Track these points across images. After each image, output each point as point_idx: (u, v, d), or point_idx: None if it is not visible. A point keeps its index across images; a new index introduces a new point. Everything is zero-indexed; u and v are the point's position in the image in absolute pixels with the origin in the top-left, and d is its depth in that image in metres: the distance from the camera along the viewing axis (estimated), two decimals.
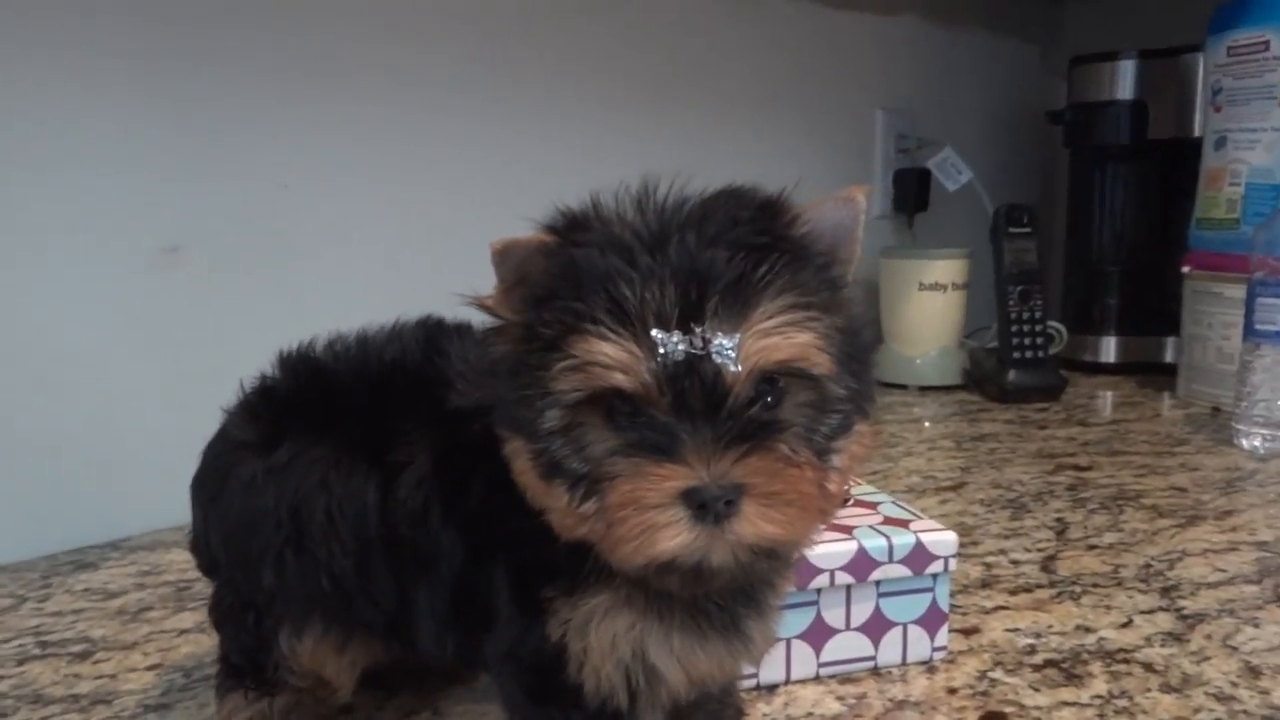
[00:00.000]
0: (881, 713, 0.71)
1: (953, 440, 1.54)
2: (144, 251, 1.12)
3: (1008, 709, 0.70)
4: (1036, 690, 0.73)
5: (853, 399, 0.51)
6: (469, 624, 0.57)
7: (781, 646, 0.74)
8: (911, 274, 1.90)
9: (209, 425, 0.66)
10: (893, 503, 0.84)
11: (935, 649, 0.78)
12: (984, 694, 0.73)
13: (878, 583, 0.76)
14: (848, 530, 0.76)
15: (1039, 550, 1.03)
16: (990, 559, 1.01)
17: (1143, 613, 0.87)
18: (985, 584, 0.94)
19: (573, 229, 0.50)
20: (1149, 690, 0.73)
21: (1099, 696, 0.72)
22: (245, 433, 0.63)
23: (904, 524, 0.78)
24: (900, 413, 1.74)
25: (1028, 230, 1.82)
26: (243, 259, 1.20)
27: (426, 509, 0.57)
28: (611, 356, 0.45)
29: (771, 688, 0.74)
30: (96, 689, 0.77)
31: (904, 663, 0.78)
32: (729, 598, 0.55)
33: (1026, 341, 1.80)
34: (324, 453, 0.60)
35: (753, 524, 0.46)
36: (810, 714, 0.71)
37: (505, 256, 0.50)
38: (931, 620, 0.78)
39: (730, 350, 0.46)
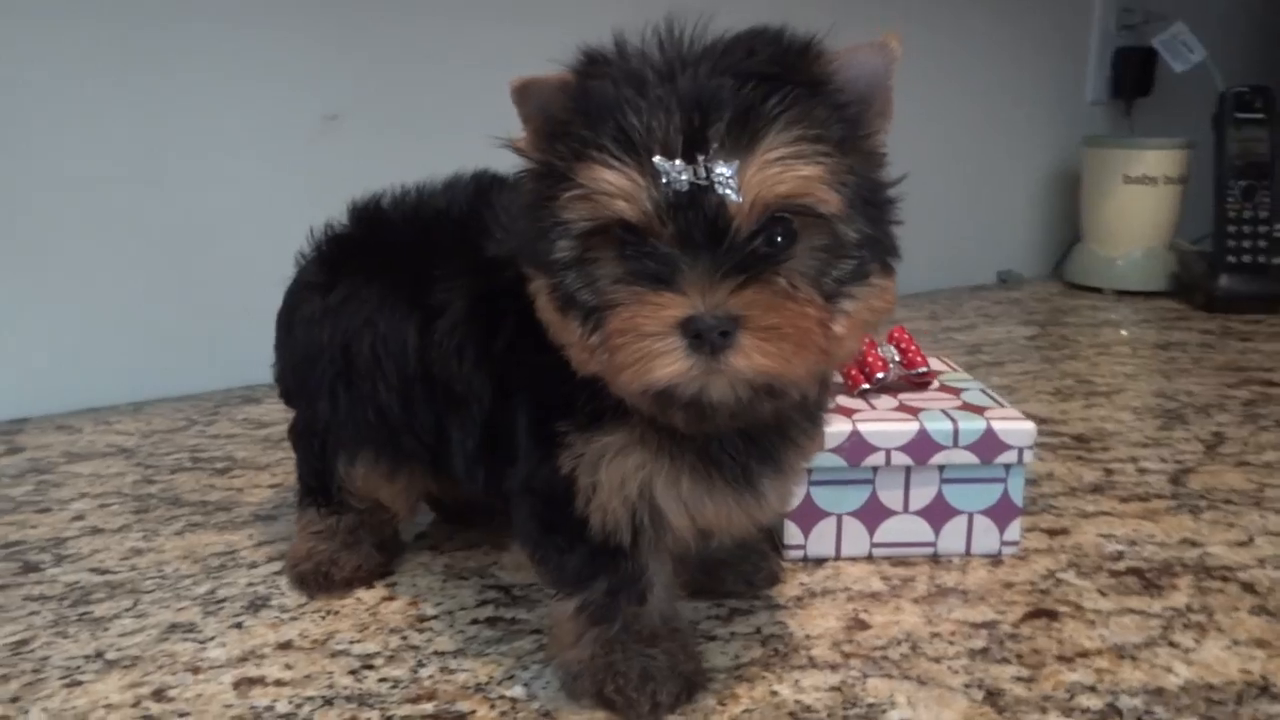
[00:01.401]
0: (923, 595, 0.69)
1: (1129, 346, 1.42)
2: (308, 117, 1.22)
3: (1062, 608, 0.66)
4: (1104, 594, 0.68)
5: (869, 246, 0.50)
6: (496, 459, 0.60)
7: (832, 522, 0.73)
8: (1118, 165, 1.73)
9: None
10: (980, 390, 0.79)
11: (1005, 543, 0.74)
12: (1043, 592, 0.69)
13: (941, 468, 0.73)
14: (914, 411, 0.73)
15: (1176, 462, 0.94)
16: (1115, 465, 0.93)
17: (1271, 533, 0.78)
18: (1097, 489, 0.88)
19: (592, 65, 0.50)
20: (1236, 609, 0.66)
21: (1173, 609, 0.66)
22: (311, 275, 0.69)
23: (979, 410, 0.73)
24: (1085, 316, 1.61)
25: (1261, 117, 1.60)
26: (399, 128, 1.26)
27: (460, 351, 0.60)
28: (614, 184, 0.45)
29: (820, 561, 0.74)
30: (223, 498, 0.88)
31: (967, 553, 0.75)
32: (742, 450, 0.55)
33: (1246, 244, 1.60)
34: (372, 294, 0.65)
35: (748, 357, 0.45)
36: (849, 589, 0.70)
37: (525, 94, 0.50)
38: (1002, 512, 0.74)
39: (731, 179, 0.45)
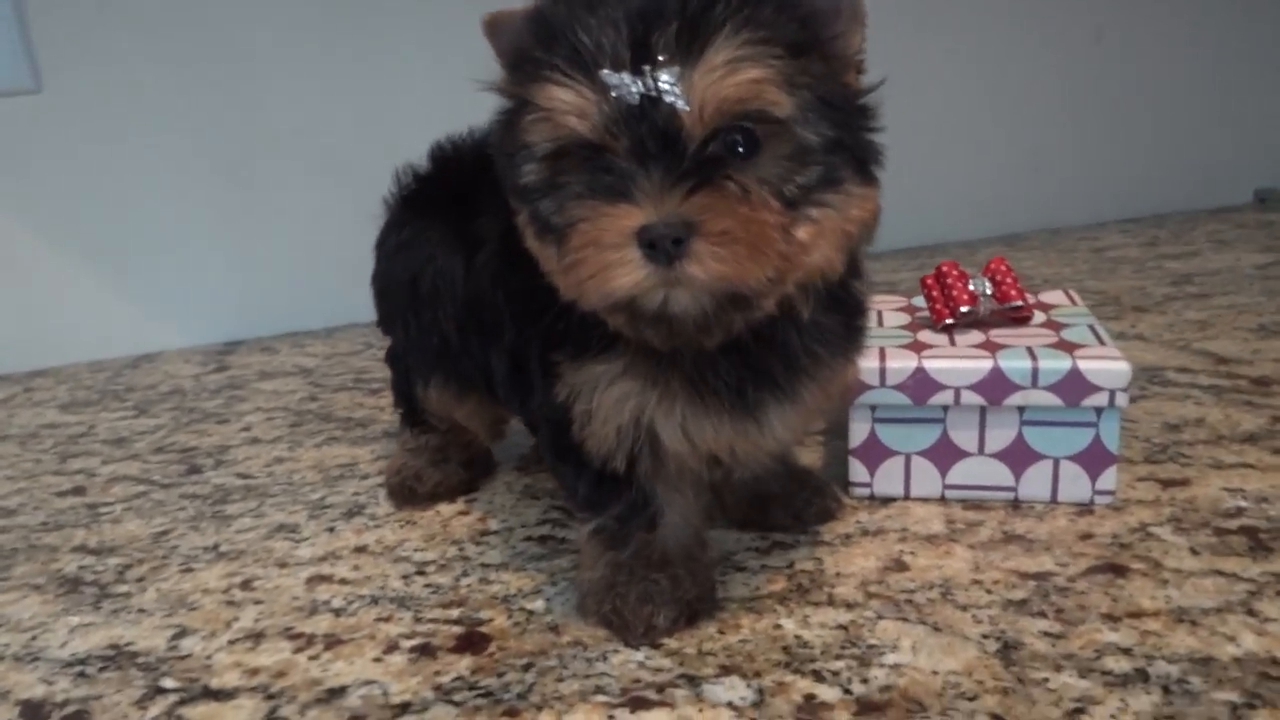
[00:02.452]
0: (983, 541, 0.64)
1: None
2: None
3: (1136, 565, 0.60)
4: (1196, 553, 0.61)
5: (838, 152, 0.49)
6: (524, 387, 0.63)
7: (900, 461, 0.70)
8: None
9: None
10: (1089, 327, 0.72)
11: (1098, 492, 0.68)
12: (1123, 545, 0.63)
13: (1021, 409, 0.67)
14: (995, 348, 0.68)
15: None
16: None
17: None
18: (1251, 438, 0.77)
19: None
20: None
21: (1274, 574, 0.58)
22: (392, 212, 0.74)
23: (1072, 348, 0.67)
24: None
25: None
26: None
27: (493, 282, 0.63)
28: (567, 101, 0.46)
29: (888, 500, 0.71)
30: (366, 416, 0.97)
31: (1053, 500, 0.69)
32: (738, 375, 0.54)
33: None
34: (435, 231, 0.69)
35: (702, 263, 0.45)
36: (905, 530, 0.67)
37: (495, 28, 0.51)
38: (1093, 459, 0.67)
39: (677, 86, 0.45)
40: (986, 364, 0.66)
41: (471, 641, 0.58)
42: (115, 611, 0.65)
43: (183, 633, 0.62)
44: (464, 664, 0.56)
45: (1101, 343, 0.68)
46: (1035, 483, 0.69)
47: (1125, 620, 0.55)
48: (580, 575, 0.61)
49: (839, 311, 0.58)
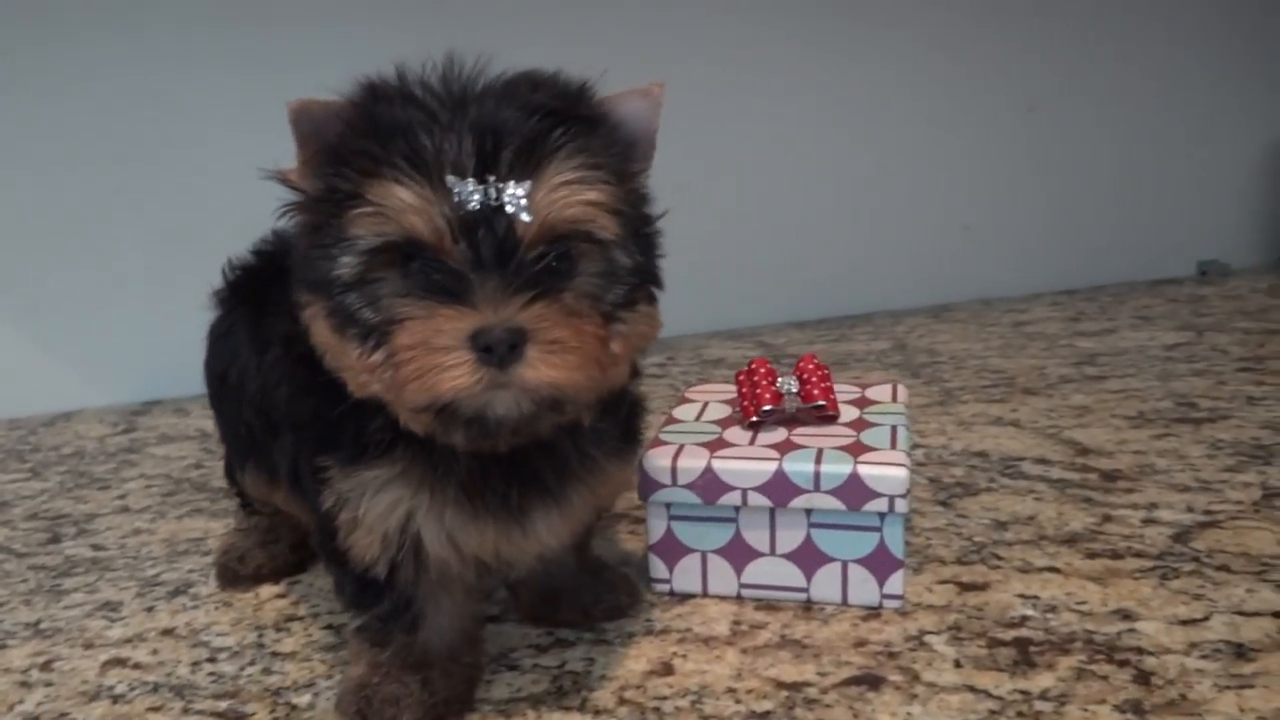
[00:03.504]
0: (759, 645, 0.65)
1: None
2: None
3: (893, 677, 0.60)
4: (959, 666, 0.61)
5: (638, 274, 0.53)
6: (302, 487, 0.64)
7: (696, 558, 0.71)
8: None
9: None
10: (892, 428, 0.72)
11: (885, 595, 0.68)
12: (890, 655, 0.63)
13: (808, 511, 0.68)
14: (787, 449, 0.69)
15: (1203, 514, 0.80)
16: (1122, 512, 0.81)
17: (1243, 613, 0.65)
18: (1072, 540, 0.77)
19: (374, 94, 0.52)
20: (1104, 701, 0.57)
21: (1024, 692, 0.58)
22: (220, 301, 0.76)
23: (860, 451, 0.68)
24: (1273, 318, 1.38)
25: None
26: None
27: (277, 384, 0.65)
28: (407, 201, 0.47)
29: (686, 596, 0.72)
30: None
31: (844, 603, 0.69)
32: (508, 481, 0.56)
33: None
34: (242, 325, 0.71)
35: (535, 368, 0.47)
36: (689, 630, 0.67)
37: (301, 116, 0.51)
38: (880, 563, 0.67)
39: (523, 200, 0.47)
40: (771, 466, 0.67)
41: None
42: None
43: None
44: None
45: (894, 446, 0.68)
46: (826, 585, 0.69)
47: None
48: (346, 672, 0.62)
49: (615, 413, 0.59)
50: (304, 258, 0.53)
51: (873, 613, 0.68)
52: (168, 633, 0.72)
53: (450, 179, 0.47)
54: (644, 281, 0.53)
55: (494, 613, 0.71)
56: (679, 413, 0.79)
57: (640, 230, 0.53)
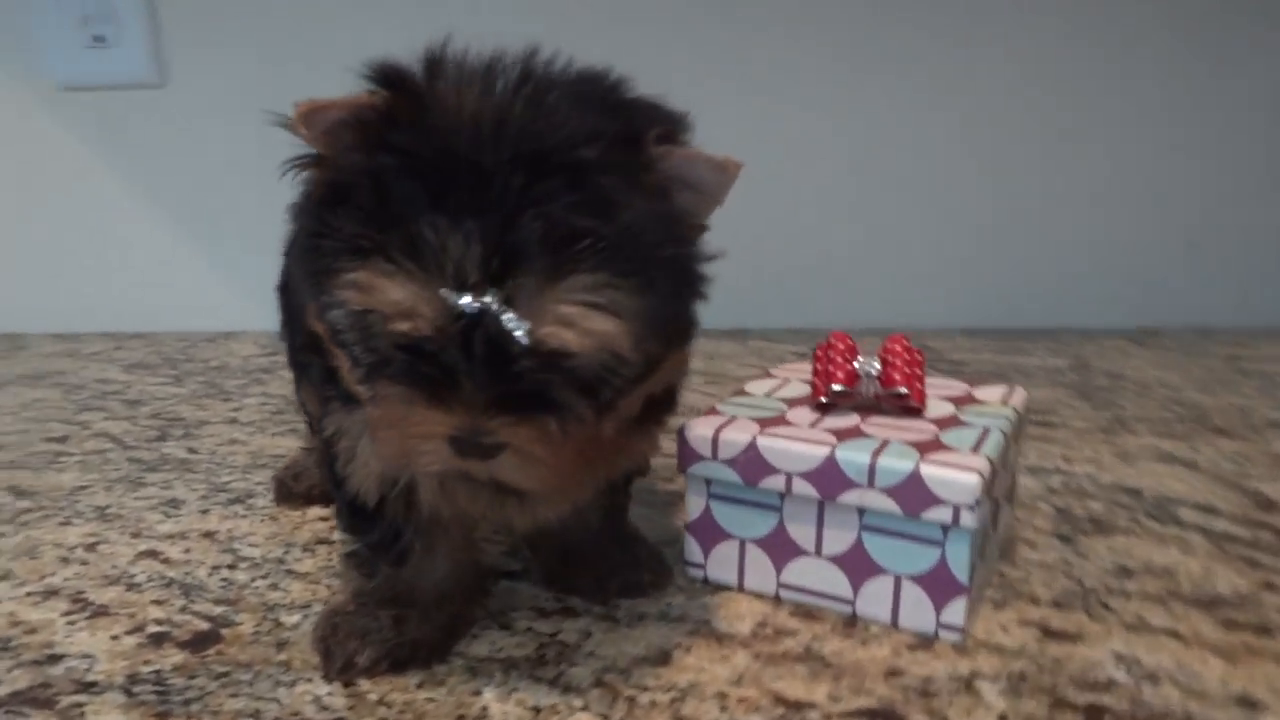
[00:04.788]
0: (777, 654, 0.56)
1: None
2: None
3: (918, 718, 0.50)
4: None
5: (656, 360, 0.49)
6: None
7: (734, 546, 0.63)
8: None
9: None
10: (985, 429, 0.61)
11: (942, 625, 0.57)
12: (926, 695, 0.52)
13: (860, 510, 0.58)
14: (848, 435, 0.59)
15: None
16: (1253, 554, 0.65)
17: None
18: (1212, 603, 0.62)
19: (397, 102, 0.45)
20: None
21: None
22: (291, 218, 0.75)
23: (933, 449, 0.57)
24: None
25: None
26: None
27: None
28: (396, 301, 0.43)
29: (720, 587, 0.64)
30: None
31: (894, 625, 0.59)
32: None
33: None
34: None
35: (507, 471, 0.46)
36: (705, 622, 0.59)
37: (311, 122, 0.45)
38: (938, 585, 0.57)
39: (520, 330, 0.42)
40: (823, 452, 0.58)
41: (202, 640, 0.58)
42: None
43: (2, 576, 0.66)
44: (174, 659, 0.56)
45: (977, 451, 0.57)
46: (875, 600, 0.59)
47: None
48: (335, 597, 0.60)
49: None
50: (296, 245, 0.48)
51: (924, 642, 0.57)
52: (208, 535, 0.72)
53: (445, 293, 0.42)
54: (670, 339, 0.50)
55: (514, 568, 0.66)
56: (752, 386, 0.71)
57: (669, 319, 0.47)
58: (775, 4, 1.31)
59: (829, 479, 0.58)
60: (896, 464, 0.56)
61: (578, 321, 0.43)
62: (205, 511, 0.76)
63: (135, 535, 0.72)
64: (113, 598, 0.63)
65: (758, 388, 0.71)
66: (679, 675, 0.54)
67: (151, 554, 0.69)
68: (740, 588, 0.63)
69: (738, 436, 0.60)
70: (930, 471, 0.55)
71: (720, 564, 0.64)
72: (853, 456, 0.57)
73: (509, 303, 0.42)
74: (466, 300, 0.42)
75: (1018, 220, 1.39)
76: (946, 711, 0.51)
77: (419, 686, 0.53)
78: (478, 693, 0.52)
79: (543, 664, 0.55)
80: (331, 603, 0.59)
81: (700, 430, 0.61)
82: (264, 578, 0.65)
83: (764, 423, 0.62)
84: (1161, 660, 0.55)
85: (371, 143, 0.44)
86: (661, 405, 0.57)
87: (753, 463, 0.60)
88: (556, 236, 0.42)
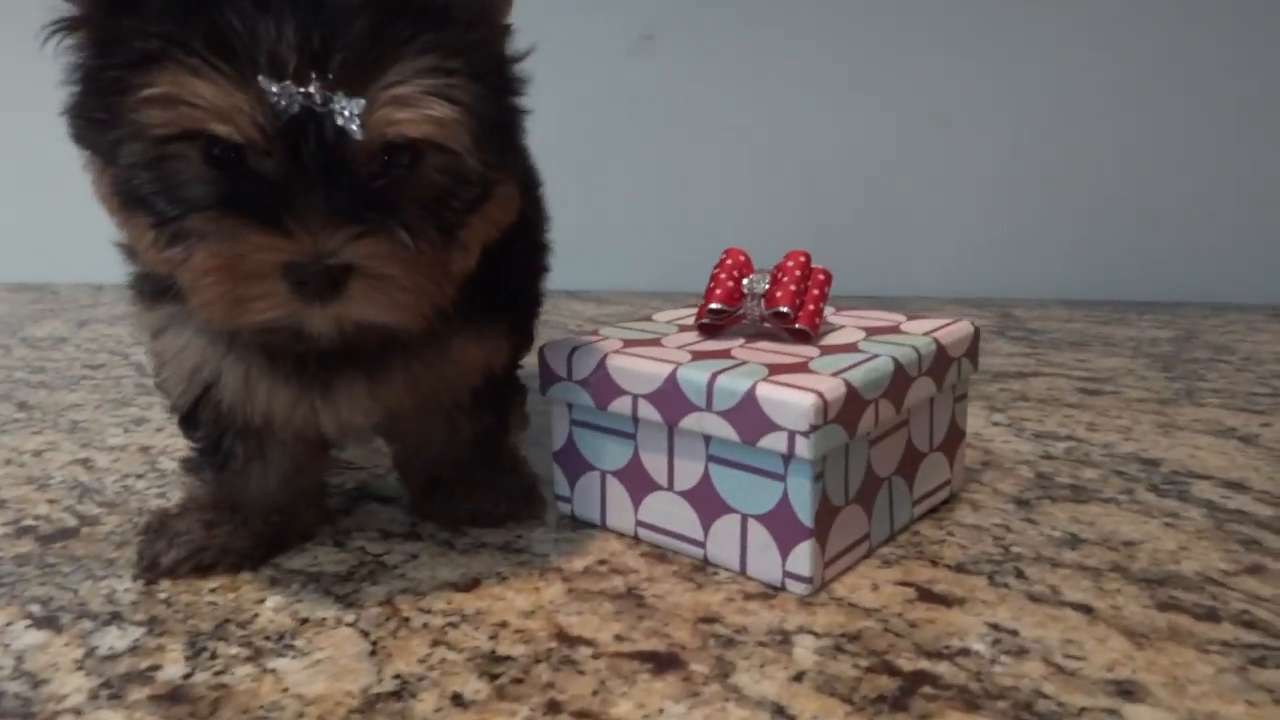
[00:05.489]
0: (593, 592, 0.50)
1: None
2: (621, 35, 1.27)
3: (698, 668, 0.43)
4: (796, 682, 0.42)
5: (493, 170, 0.45)
6: None
7: (596, 478, 0.57)
8: None
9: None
10: (891, 359, 0.52)
11: (788, 573, 0.49)
12: (729, 643, 0.45)
13: (707, 439, 0.51)
14: (702, 356, 0.53)
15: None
16: None
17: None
18: (1164, 582, 0.50)
19: None
20: None
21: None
22: None
23: (787, 370, 0.50)
24: None
25: None
26: (716, 49, 1.24)
27: None
28: (208, 99, 0.39)
29: (585, 524, 0.58)
30: None
31: (744, 572, 0.51)
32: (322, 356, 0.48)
33: None
34: None
35: (357, 305, 0.41)
36: (542, 557, 0.54)
37: None
38: (782, 527, 0.49)
39: (355, 116, 0.39)
40: (664, 370, 0.51)
41: (59, 535, 0.59)
42: None
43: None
44: (22, 549, 0.57)
45: (836, 375, 0.49)
46: (723, 543, 0.52)
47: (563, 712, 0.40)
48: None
49: (475, 288, 0.49)
50: (78, 108, 0.42)
51: (768, 592, 0.49)
52: (144, 449, 0.74)
53: (264, 80, 0.38)
54: (500, 171, 0.45)
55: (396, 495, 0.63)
56: (660, 315, 0.65)
57: (500, 118, 0.44)
58: None
59: (672, 401, 0.51)
60: (733, 384, 0.48)
61: (416, 104, 0.39)
62: (161, 429, 0.79)
63: (84, 445, 0.75)
64: (19, 494, 0.65)
65: (664, 315, 0.64)
66: (472, 603, 0.49)
67: (83, 461, 0.72)
68: (603, 525, 0.57)
69: (591, 358, 0.54)
70: (765, 392, 0.47)
71: (584, 499, 0.58)
72: (692, 376, 0.50)
73: (337, 92, 0.38)
74: (290, 89, 0.38)
75: (1157, 198, 1.21)
76: (739, 663, 0.43)
77: (212, 591, 0.51)
78: (261, 600, 0.50)
79: (346, 581, 0.52)
80: (166, 508, 0.58)
81: (556, 351, 0.56)
82: (159, 488, 0.66)
83: (631, 343, 0.56)
84: (1047, 635, 0.45)
85: None
86: (506, 296, 0.54)
87: (603, 384, 0.54)
88: (375, 12, 0.39)
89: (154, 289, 0.49)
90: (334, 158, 0.39)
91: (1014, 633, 0.45)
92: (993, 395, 0.83)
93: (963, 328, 0.58)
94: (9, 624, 0.48)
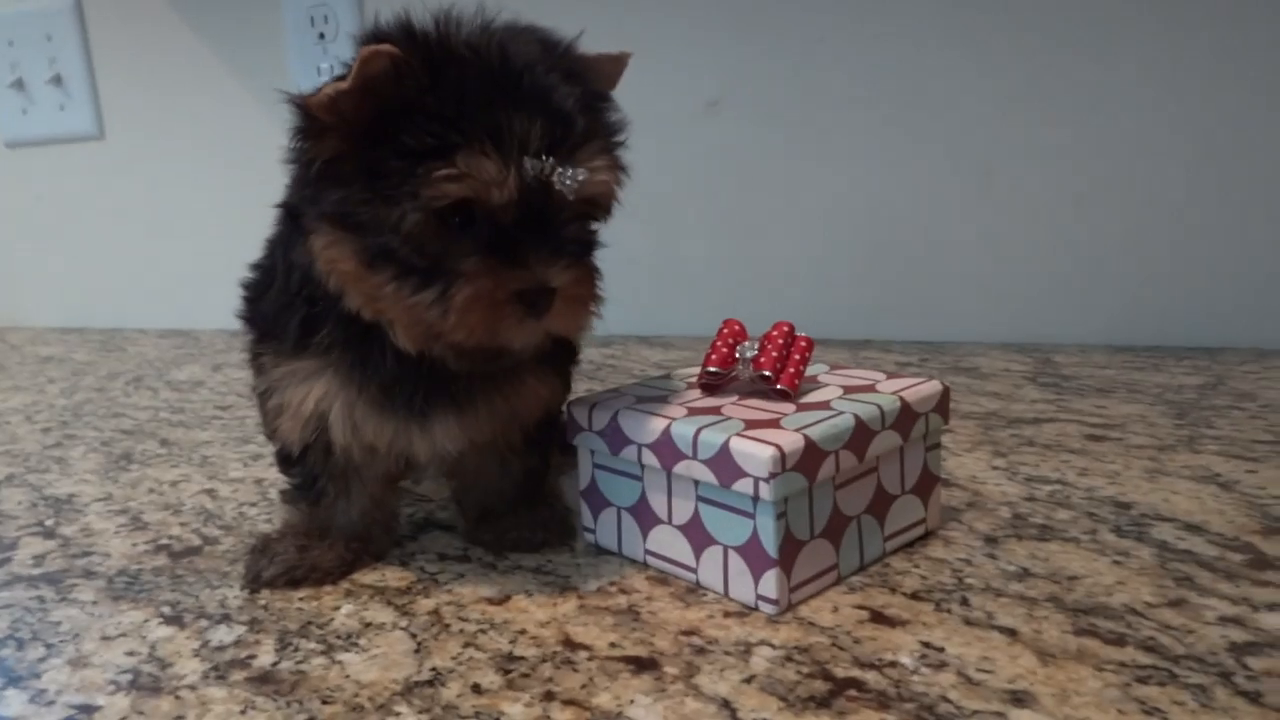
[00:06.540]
0: (602, 608, 0.61)
1: None
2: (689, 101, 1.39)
3: (670, 669, 0.53)
4: (746, 683, 0.51)
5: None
6: None
7: (613, 513, 0.68)
8: None
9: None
10: (852, 416, 0.61)
11: (760, 596, 0.59)
12: (700, 651, 0.55)
13: (696, 482, 0.61)
14: (696, 412, 0.63)
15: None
16: (1206, 602, 0.58)
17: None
18: (1090, 612, 0.58)
19: (423, 50, 0.54)
20: None
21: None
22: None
23: (761, 425, 0.60)
24: None
25: None
26: (778, 113, 1.35)
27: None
28: (491, 174, 0.54)
29: (606, 551, 0.69)
30: None
31: (726, 594, 0.61)
32: (418, 383, 0.61)
33: None
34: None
35: (558, 320, 0.57)
36: (564, 579, 0.65)
37: (373, 61, 0.52)
38: (753, 556, 0.59)
39: (570, 181, 0.56)
40: (662, 425, 0.62)
41: (187, 552, 0.73)
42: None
43: None
44: (158, 563, 0.71)
45: (799, 431, 0.59)
46: (710, 569, 0.62)
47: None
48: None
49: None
50: (320, 191, 0.56)
51: (744, 611, 0.59)
52: (257, 482, 0.89)
53: (528, 161, 0.54)
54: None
55: (454, 525, 0.75)
56: (680, 370, 0.75)
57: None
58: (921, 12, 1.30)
59: (668, 450, 0.62)
60: (713, 437, 0.59)
61: (603, 172, 0.57)
62: (273, 465, 0.93)
63: (211, 477, 0.90)
64: (159, 518, 0.80)
65: (683, 371, 0.75)
66: (501, 614, 0.61)
67: (209, 491, 0.87)
68: (620, 552, 0.68)
69: (607, 411, 0.66)
70: (736, 445, 0.57)
71: (605, 529, 0.69)
72: (683, 430, 0.61)
73: (565, 166, 0.55)
74: (539, 164, 0.54)
75: (1205, 245, 1.25)
76: (704, 667, 0.53)
77: (300, 599, 0.64)
78: (337, 608, 0.63)
79: (405, 594, 0.64)
80: (269, 531, 0.72)
81: (580, 404, 0.67)
82: (267, 515, 0.80)
83: (643, 400, 0.67)
84: (968, 653, 0.53)
85: (404, 77, 0.53)
86: (566, 343, 0.67)
87: (615, 434, 0.65)
88: (581, 106, 0.56)
89: (294, 345, 0.63)
90: (552, 215, 0.56)
91: (940, 650, 0.54)
92: (1001, 440, 0.91)
93: (931, 387, 0.67)
94: (146, 620, 0.62)
